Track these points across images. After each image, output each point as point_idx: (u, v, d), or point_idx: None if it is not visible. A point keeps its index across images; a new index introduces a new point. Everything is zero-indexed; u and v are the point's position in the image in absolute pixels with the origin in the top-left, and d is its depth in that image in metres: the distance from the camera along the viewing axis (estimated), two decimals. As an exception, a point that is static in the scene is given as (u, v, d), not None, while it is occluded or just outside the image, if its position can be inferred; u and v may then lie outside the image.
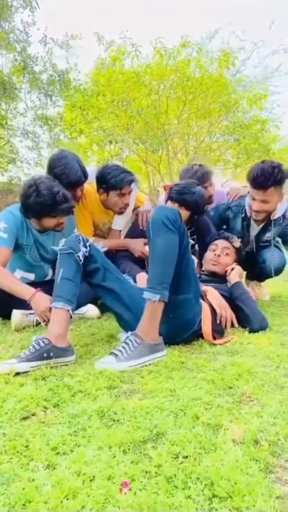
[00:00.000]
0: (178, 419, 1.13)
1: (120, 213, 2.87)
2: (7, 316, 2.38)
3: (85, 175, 2.69)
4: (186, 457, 0.95)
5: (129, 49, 8.83)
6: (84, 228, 2.84)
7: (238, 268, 2.41)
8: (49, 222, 2.40)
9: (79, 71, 11.61)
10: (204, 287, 2.12)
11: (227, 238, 2.50)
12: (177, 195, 2.62)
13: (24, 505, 0.81)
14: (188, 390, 1.33)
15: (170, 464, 0.91)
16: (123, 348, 1.61)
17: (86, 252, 1.82)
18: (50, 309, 2.26)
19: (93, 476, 0.88)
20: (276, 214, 2.56)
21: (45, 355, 1.60)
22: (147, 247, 2.68)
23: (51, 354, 1.61)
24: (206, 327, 1.92)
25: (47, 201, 2.29)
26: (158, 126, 9.21)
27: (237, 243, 2.47)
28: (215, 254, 2.43)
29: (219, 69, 8.88)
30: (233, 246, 2.48)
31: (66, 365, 1.65)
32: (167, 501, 0.80)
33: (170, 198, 2.66)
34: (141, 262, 2.78)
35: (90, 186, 2.87)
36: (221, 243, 2.48)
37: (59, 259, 1.82)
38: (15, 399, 1.28)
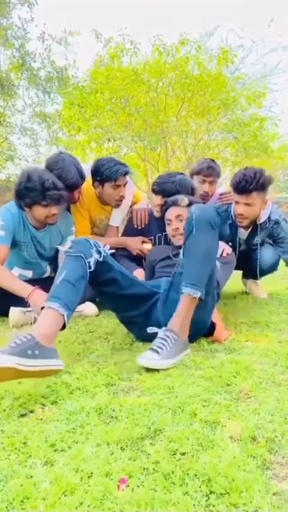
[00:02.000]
0: (176, 416, 1.13)
1: (117, 206, 2.86)
2: (5, 314, 2.38)
3: (82, 178, 2.69)
4: (184, 453, 0.95)
5: (128, 46, 8.80)
6: (82, 226, 2.84)
7: None
8: (40, 211, 2.40)
9: (77, 68, 11.58)
10: None
11: (173, 204, 2.37)
12: (157, 186, 2.62)
13: (22, 501, 0.81)
14: (186, 387, 1.33)
15: (168, 461, 0.92)
16: (163, 344, 1.56)
17: (100, 258, 1.70)
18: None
19: (91, 473, 0.88)
20: (262, 219, 2.58)
21: (29, 352, 1.33)
22: (145, 245, 2.69)
23: (37, 353, 1.35)
24: (220, 328, 1.91)
25: (36, 186, 2.31)
26: (156, 123, 9.18)
27: (184, 200, 2.36)
28: (172, 228, 2.35)
29: (218, 67, 8.86)
30: (183, 206, 2.33)
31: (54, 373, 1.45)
32: (165, 497, 0.80)
33: (152, 191, 2.67)
34: (136, 260, 2.78)
35: (86, 182, 2.87)
36: (171, 214, 2.36)
37: (64, 260, 1.65)
38: (13, 396, 1.28)
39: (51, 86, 11.77)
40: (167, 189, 2.57)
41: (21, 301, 2.33)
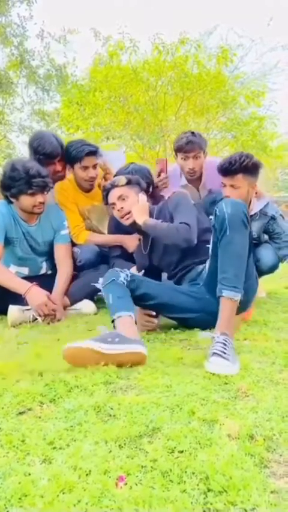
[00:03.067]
0: (174, 415, 1.14)
1: (90, 187, 2.86)
2: (4, 312, 2.38)
3: (62, 147, 2.75)
4: (182, 451, 0.95)
5: (128, 44, 8.80)
6: (74, 220, 2.83)
7: (136, 207, 2.22)
8: (27, 201, 2.41)
9: (76, 66, 11.57)
10: None
11: (112, 186, 2.27)
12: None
13: (20, 499, 0.81)
14: (184, 386, 1.33)
15: (166, 459, 0.92)
16: (225, 349, 1.51)
17: (127, 276, 1.88)
18: (46, 303, 2.28)
19: (89, 471, 0.88)
20: (253, 210, 2.55)
21: (109, 339, 1.53)
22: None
23: (117, 340, 1.53)
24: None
25: (21, 175, 2.33)
26: (155, 122, 9.19)
27: (122, 180, 2.26)
28: (118, 210, 2.25)
29: (217, 66, 8.87)
30: (122, 185, 2.25)
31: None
32: (163, 495, 0.80)
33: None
34: (131, 257, 2.77)
35: (63, 183, 2.88)
36: (113, 196, 2.26)
37: (105, 291, 1.85)
38: (12, 394, 1.28)
39: (50, 84, 11.76)
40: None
41: (19, 300, 2.34)
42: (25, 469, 0.90)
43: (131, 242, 2.71)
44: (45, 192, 2.45)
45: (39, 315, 2.30)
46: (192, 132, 2.87)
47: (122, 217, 2.27)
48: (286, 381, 1.38)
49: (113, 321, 1.75)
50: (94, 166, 2.78)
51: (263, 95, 9.20)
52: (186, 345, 1.85)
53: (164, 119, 9.22)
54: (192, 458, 0.92)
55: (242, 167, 2.34)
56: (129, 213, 2.23)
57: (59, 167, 2.79)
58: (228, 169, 2.36)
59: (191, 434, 1.02)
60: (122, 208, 2.23)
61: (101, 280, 1.99)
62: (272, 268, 2.79)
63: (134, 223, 2.23)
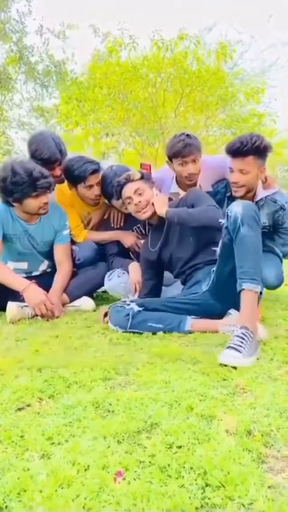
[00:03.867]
0: (172, 410, 1.14)
1: (95, 205, 2.84)
2: (2, 309, 2.38)
3: (61, 152, 2.65)
4: (180, 447, 0.96)
5: (127, 40, 8.77)
6: (75, 220, 2.82)
7: (157, 199, 2.26)
8: (32, 204, 2.37)
9: (75, 62, 11.52)
10: None
11: (127, 181, 2.28)
12: (111, 190, 2.58)
13: (19, 493, 0.81)
14: (182, 382, 1.34)
15: (164, 454, 0.92)
16: (241, 342, 1.55)
17: (138, 309, 2.02)
18: (44, 302, 2.28)
19: (88, 466, 0.89)
20: (258, 196, 2.40)
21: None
22: (139, 242, 2.67)
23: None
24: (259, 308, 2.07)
25: (24, 178, 2.28)
26: (154, 119, 9.17)
27: (136, 174, 2.28)
28: (135, 204, 2.26)
29: (216, 62, 8.85)
30: (137, 179, 2.27)
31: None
32: (161, 490, 0.81)
33: (110, 199, 2.65)
34: (127, 254, 2.79)
35: (63, 186, 2.85)
36: (129, 191, 2.27)
37: (141, 329, 1.98)
38: (11, 390, 1.29)
39: (49, 80, 11.70)
40: (113, 182, 2.48)
41: (18, 296, 2.34)
42: (24, 464, 0.90)
43: (127, 238, 2.72)
44: (49, 193, 2.43)
45: (37, 314, 2.30)
46: (188, 135, 2.62)
47: (139, 211, 2.28)
48: (284, 377, 1.39)
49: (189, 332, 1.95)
50: (98, 184, 2.74)
51: (263, 91, 9.18)
52: (185, 341, 1.85)
53: (163, 115, 9.20)
54: (191, 453, 0.93)
55: (253, 148, 2.21)
56: (146, 206, 2.25)
57: (58, 171, 2.71)
58: (240, 150, 2.22)
59: (189, 429, 1.02)
60: (139, 202, 2.25)
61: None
62: (276, 287, 2.64)
63: (151, 216, 2.28)
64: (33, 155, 2.61)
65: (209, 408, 1.14)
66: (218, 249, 2.00)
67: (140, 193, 2.26)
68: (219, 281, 1.99)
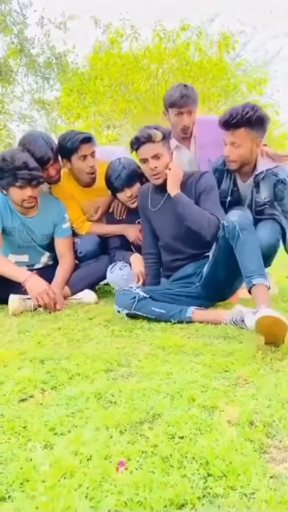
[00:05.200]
0: (174, 401, 1.14)
1: (91, 180, 2.77)
2: (4, 301, 2.38)
3: (53, 150, 2.60)
4: (182, 437, 0.96)
5: (128, 31, 8.70)
6: (75, 212, 2.80)
7: (172, 172, 2.17)
8: (16, 194, 2.37)
9: (77, 54, 11.43)
10: None
11: (147, 140, 2.16)
12: (119, 181, 2.55)
13: (22, 484, 0.82)
14: (184, 373, 1.34)
15: (166, 445, 0.93)
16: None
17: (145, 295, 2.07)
18: (47, 292, 2.28)
19: (91, 456, 0.89)
20: (258, 169, 2.32)
21: None
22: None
23: None
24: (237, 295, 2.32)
25: (9, 166, 2.29)
26: (156, 111, 9.11)
27: (158, 135, 2.15)
28: (151, 168, 2.18)
29: (218, 53, 8.77)
30: (158, 141, 2.16)
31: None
32: (163, 480, 0.81)
33: (117, 190, 2.60)
34: (129, 247, 2.78)
35: (59, 183, 2.81)
36: (147, 152, 2.17)
37: (144, 313, 2.04)
38: (13, 381, 1.29)
39: (50, 72, 11.63)
40: (122, 175, 2.52)
41: (20, 289, 2.34)
42: (27, 455, 0.91)
43: (132, 231, 2.70)
44: (35, 186, 2.38)
45: (39, 305, 2.30)
46: (185, 85, 2.63)
47: (153, 175, 2.22)
48: (286, 368, 1.39)
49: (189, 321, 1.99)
50: (92, 154, 2.68)
51: (265, 82, 9.11)
52: (187, 333, 1.85)
53: (165, 107, 9.14)
54: (193, 443, 0.93)
55: (244, 120, 2.12)
56: (161, 172, 2.19)
57: (52, 172, 2.66)
58: (229, 122, 2.14)
59: (191, 420, 1.03)
60: (155, 167, 2.18)
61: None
62: (270, 248, 2.43)
63: (162, 184, 2.22)
64: None
65: (211, 399, 1.14)
66: (211, 251, 2.10)
67: (158, 158, 2.17)
68: (213, 280, 2.11)
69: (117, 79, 8.84)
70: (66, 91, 9.68)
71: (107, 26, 9.26)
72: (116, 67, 8.71)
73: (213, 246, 2.07)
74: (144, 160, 2.21)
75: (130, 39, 8.72)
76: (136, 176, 2.53)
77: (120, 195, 2.62)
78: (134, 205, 2.57)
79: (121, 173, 2.53)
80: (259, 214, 2.45)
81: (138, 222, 2.72)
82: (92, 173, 2.73)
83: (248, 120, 2.13)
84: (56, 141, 2.73)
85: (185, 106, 2.59)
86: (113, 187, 2.60)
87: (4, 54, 11.19)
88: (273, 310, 1.58)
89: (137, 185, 2.54)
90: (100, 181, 2.75)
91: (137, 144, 2.19)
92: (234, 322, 1.89)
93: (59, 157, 2.70)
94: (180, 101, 2.58)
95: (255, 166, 2.35)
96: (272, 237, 2.39)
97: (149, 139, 2.15)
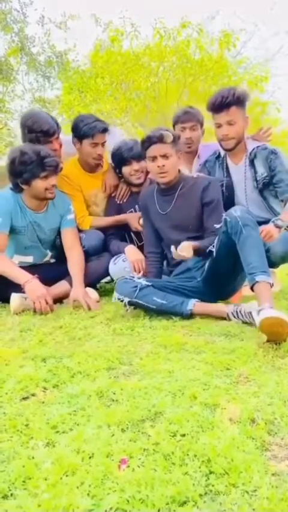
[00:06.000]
0: (176, 399, 1.14)
1: (96, 165, 2.82)
2: (6, 300, 2.38)
3: (57, 124, 2.68)
4: (184, 435, 0.96)
5: (129, 29, 8.68)
6: (80, 211, 2.81)
7: (183, 248, 2.06)
8: (40, 185, 2.37)
9: (77, 53, 11.41)
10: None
11: (158, 140, 2.21)
12: (128, 152, 2.64)
13: (24, 481, 0.82)
14: (186, 371, 1.34)
15: (168, 442, 0.93)
16: (272, 308, 1.67)
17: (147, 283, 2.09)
18: (46, 297, 2.27)
19: (92, 454, 0.90)
20: (249, 148, 2.50)
21: None
22: (141, 221, 2.65)
23: None
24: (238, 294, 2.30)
25: (33, 157, 2.30)
26: (157, 109, 9.11)
27: (170, 136, 2.22)
28: (158, 166, 2.22)
29: (219, 51, 8.74)
30: (169, 143, 2.21)
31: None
32: (165, 477, 0.81)
33: (127, 160, 2.66)
34: (125, 238, 2.81)
35: (65, 171, 2.83)
36: (156, 151, 2.21)
37: (144, 302, 2.05)
38: (15, 380, 1.29)
39: (51, 71, 11.60)
40: (133, 148, 2.62)
41: (21, 289, 2.34)
42: (29, 453, 0.91)
43: (133, 219, 2.70)
44: (58, 173, 2.43)
45: (35, 309, 2.28)
46: (190, 106, 2.95)
47: (159, 173, 2.27)
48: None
49: (191, 315, 2.02)
50: (103, 144, 2.74)
51: (266, 80, 9.08)
52: (188, 331, 1.85)
53: (165, 105, 9.13)
54: (194, 441, 0.93)
55: (235, 99, 2.33)
56: (167, 172, 2.25)
57: (56, 145, 2.69)
58: (223, 103, 2.33)
59: (192, 418, 1.03)
60: (163, 166, 2.24)
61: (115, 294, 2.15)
62: (285, 258, 2.48)
63: (168, 182, 2.28)
64: (31, 129, 2.59)
65: (213, 397, 1.14)
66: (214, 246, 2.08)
67: (167, 157, 2.23)
68: (214, 275, 2.11)
69: (118, 77, 8.82)
70: (67, 89, 9.67)
71: (108, 24, 9.25)
72: (117, 65, 8.70)
73: (215, 241, 2.07)
74: (153, 159, 2.26)
75: (130, 37, 8.70)
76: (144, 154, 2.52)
77: (126, 169, 2.68)
78: (138, 181, 2.69)
79: (133, 146, 2.64)
80: (262, 192, 2.54)
81: (134, 210, 2.75)
82: (98, 160, 2.79)
83: (238, 99, 2.35)
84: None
85: (187, 121, 2.86)
86: (122, 158, 2.66)
87: (5, 53, 11.17)
88: (277, 311, 1.60)
89: (144, 163, 2.56)
90: (106, 166, 2.87)
91: (148, 142, 2.26)
92: (236, 314, 1.95)
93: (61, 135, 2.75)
94: (183, 117, 2.87)
95: (245, 146, 2.53)
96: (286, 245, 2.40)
97: (160, 139, 2.22)
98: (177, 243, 2.19)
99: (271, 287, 1.81)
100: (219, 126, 2.41)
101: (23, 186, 2.40)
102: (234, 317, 1.96)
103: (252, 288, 1.83)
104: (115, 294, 2.13)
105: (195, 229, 2.26)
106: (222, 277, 2.11)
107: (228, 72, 8.88)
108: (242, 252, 1.89)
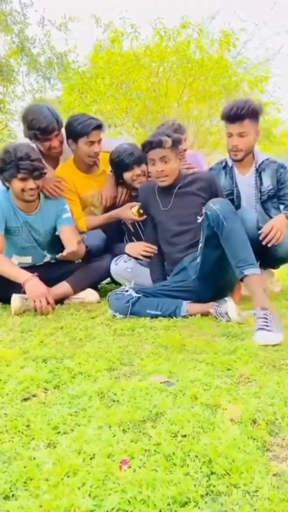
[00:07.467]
0: (177, 400, 1.14)
1: (92, 163, 2.82)
2: (7, 301, 2.39)
3: (58, 121, 2.64)
4: (185, 435, 0.96)
5: (129, 30, 8.68)
6: (76, 213, 2.79)
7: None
8: (16, 185, 2.37)
9: (77, 54, 11.42)
10: None
11: (157, 146, 2.25)
12: (129, 157, 2.64)
13: (25, 482, 0.82)
14: (187, 372, 1.34)
15: (169, 443, 0.93)
16: (267, 322, 1.68)
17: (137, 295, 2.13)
18: (46, 296, 2.27)
19: (94, 454, 0.90)
20: (259, 160, 2.53)
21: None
22: (133, 209, 2.63)
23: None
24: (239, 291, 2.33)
25: (12, 157, 2.31)
26: (157, 109, 9.10)
27: (168, 142, 2.25)
28: (157, 170, 2.28)
29: (219, 51, 8.73)
30: (168, 148, 2.25)
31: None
32: (166, 478, 0.81)
33: (129, 165, 2.65)
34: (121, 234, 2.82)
35: (60, 170, 2.82)
36: (156, 155, 2.27)
37: (141, 313, 2.10)
38: (16, 381, 1.29)
39: (51, 72, 11.61)
40: (134, 153, 2.62)
41: (22, 289, 2.34)
42: (30, 454, 0.91)
43: (126, 213, 2.67)
44: (37, 178, 2.37)
45: (35, 308, 2.27)
46: (176, 120, 2.91)
47: (158, 178, 2.32)
48: (289, 366, 1.39)
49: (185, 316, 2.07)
50: (99, 142, 2.72)
51: (267, 80, 9.07)
52: (189, 331, 1.85)
53: (166, 105, 9.12)
54: (195, 442, 0.93)
55: (250, 111, 2.36)
56: (166, 176, 2.29)
57: (55, 143, 2.69)
58: (237, 114, 2.36)
59: (193, 418, 1.03)
60: (162, 170, 2.29)
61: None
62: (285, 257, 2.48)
63: (167, 186, 2.33)
64: (30, 126, 2.59)
65: (214, 397, 1.14)
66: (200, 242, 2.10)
67: (166, 162, 2.28)
68: (206, 269, 2.10)
69: (118, 78, 8.82)
70: (67, 90, 9.66)
71: (108, 25, 9.25)
72: (117, 66, 8.70)
73: (201, 236, 2.09)
74: (153, 163, 2.31)
75: (131, 37, 8.70)
76: (144, 157, 2.55)
77: (128, 174, 2.67)
78: (139, 185, 2.67)
79: (133, 151, 2.65)
80: (265, 203, 2.57)
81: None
82: (94, 158, 2.79)
83: (252, 112, 2.37)
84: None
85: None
86: (123, 164, 2.66)
87: (5, 54, 11.18)
88: (270, 333, 1.65)
89: (144, 166, 2.61)
90: (102, 166, 2.85)
91: (148, 147, 2.31)
92: (220, 313, 2.01)
93: (62, 130, 2.73)
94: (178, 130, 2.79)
95: (253, 157, 2.55)
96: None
97: (159, 144, 2.26)
98: (177, 235, 2.30)
99: (261, 278, 1.87)
100: (230, 135, 2.44)
101: (7, 184, 2.42)
102: (218, 316, 2.03)
103: (241, 280, 1.89)
104: (110, 311, 2.16)
105: (195, 221, 2.27)
106: (214, 271, 2.10)
107: (229, 72, 8.87)
108: (227, 245, 1.91)
